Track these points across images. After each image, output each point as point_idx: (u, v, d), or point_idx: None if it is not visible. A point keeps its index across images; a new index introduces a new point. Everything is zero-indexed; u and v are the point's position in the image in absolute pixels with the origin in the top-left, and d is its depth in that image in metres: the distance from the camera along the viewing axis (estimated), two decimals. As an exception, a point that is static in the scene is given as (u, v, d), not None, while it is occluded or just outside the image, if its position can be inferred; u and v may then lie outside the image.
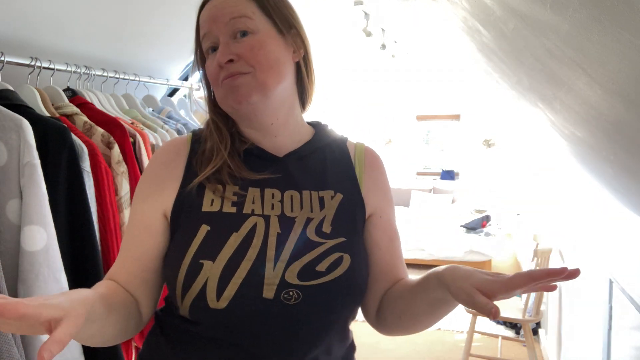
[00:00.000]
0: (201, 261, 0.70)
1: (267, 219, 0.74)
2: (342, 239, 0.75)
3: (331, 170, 0.83)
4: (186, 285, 0.70)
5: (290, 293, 0.69)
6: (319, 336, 0.74)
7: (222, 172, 0.77)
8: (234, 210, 0.74)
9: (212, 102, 0.83)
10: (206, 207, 0.75)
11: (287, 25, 0.79)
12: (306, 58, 0.83)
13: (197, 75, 2.64)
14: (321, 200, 0.78)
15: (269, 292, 0.69)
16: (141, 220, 0.78)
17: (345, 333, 0.82)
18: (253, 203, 0.76)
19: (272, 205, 0.76)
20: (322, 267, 0.71)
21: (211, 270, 0.69)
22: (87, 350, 1.18)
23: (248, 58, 0.73)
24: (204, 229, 0.72)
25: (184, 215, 0.75)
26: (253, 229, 0.73)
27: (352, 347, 0.84)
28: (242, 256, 0.70)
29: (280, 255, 0.71)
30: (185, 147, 0.82)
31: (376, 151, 0.91)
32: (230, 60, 0.73)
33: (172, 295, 0.74)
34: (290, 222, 0.75)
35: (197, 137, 0.84)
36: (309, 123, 0.89)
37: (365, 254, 0.81)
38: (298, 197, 0.78)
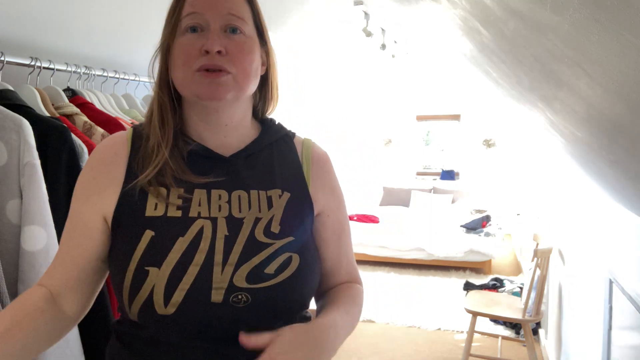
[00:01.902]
0: (147, 268, 0.69)
1: (214, 221, 0.73)
2: (291, 239, 0.75)
3: (279, 169, 0.82)
4: (133, 292, 0.69)
5: (239, 296, 0.69)
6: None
7: (166, 175, 0.74)
8: (179, 214, 0.73)
9: (166, 82, 0.78)
10: (150, 211, 0.73)
11: (264, 39, 0.81)
12: (270, 72, 0.85)
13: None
14: (269, 199, 0.78)
15: (217, 296, 0.68)
16: (79, 222, 0.76)
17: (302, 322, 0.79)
18: (199, 205, 0.74)
19: (219, 206, 0.74)
20: (270, 269, 0.71)
21: (157, 277, 0.68)
22: (87, 351, 1.18)
23: (235, 57, 0.74)
24: (148, 234, 0.71)
25: (126, 220, 0.73)
26: (200, 232, 0.71)
27: None
28: (189, 261, 0.69)
29: (229, 258, 0.70)
30: (125, 144, 0.79)
31: (322, 147, 0.92)
32: (219, 52, 0.72)
33: (119, 300, 0.73)
34: (238, 223, 0.74)
35: (137, 133, 0.80)
36: (260, 120, 0.89)
37: (316, 252, 0.81)
38: (246, 197, 0.76)
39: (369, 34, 3.19)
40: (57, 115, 1.36)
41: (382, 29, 3.69)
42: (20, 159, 1.08)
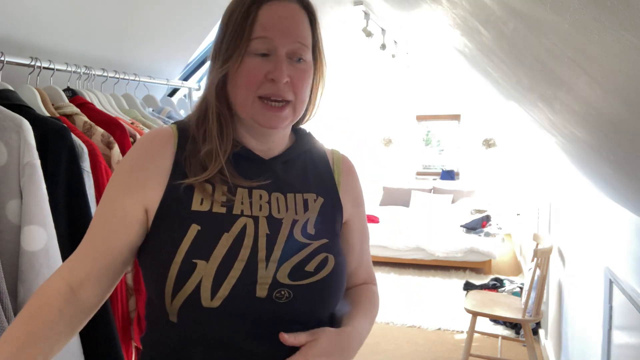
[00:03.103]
0: (194, 260, 0.70)
1: (256, 219, 0.76)
2: (325, 240, 0.79)
3: (312, 175, 0.86)
4: (178, 284, 0.70)
5: (282, 292, 0.72)
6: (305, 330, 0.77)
7: (214, 176, 0.77)
8: (223, 210, 0.75)
9: (223, 93, 0.78)
10: (196, 206, 0.75)
11: (318, 57, 0.84)
12: (314, 88, 0.86)
13: (196, 75, 2.64)
14: (305, 202, 0.81)
15: (262, 292, 0.71)
16: (118, 210, 0.75)
17: (330, 325, 0.84)
18: (242, 204, 0.76)
19: (260, 206, 0.77)
20: (310, 267, 0.75)
21: (205, 270, 0.70)
22: (87, 351, 1.18)
23: (296, 86, 0.76)
24: (195, 228, 0.72)
25: (171, 213, 0.74)
26: (243, 229, 0.74)
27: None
28: (235, 256, 0.72)
29: (271, 255, 0.74)
30: (172, 141, 0.79)
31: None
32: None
33: (157, 295, 0.73)
34: (277, 223, 0.77)
35: (183, 132, 0.80)
36: (293, 130, 0.90)
37: (344, 255, 0.84)
38: (283, 199, 0.80)
39: (369, 34, 3.19)
40: (57, 115, 1.36)
41: (382, 29, 3.69)
42: (20, 159, 1.08)
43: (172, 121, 1.89)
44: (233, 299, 0.70)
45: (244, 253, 0.72)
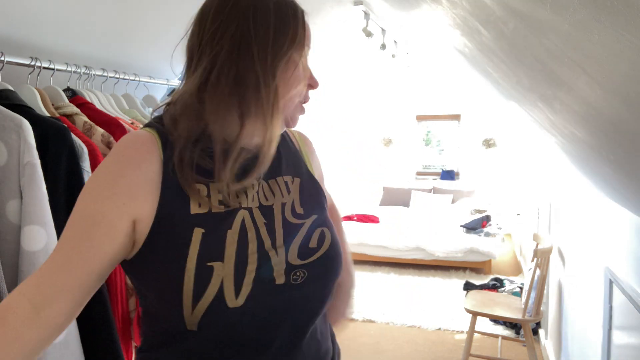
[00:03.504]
0: (209, 264, 0.69)
1: (250, 211, 0.76)
2: (315, 216, 0.83)
3: (285, 158, 0.87)
4: (199, 291, 0.68)
5: (298, 273, 0.75)
6: (323, 306, 0.80)
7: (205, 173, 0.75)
8: (222, 209, 0.74)
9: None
10: (194, 209, 0.72)
11: None
12: None
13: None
14: (286, 184, 0.84)
15: (280, 278, 0.73)
16: (102, 222, 0.68)
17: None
18: (237, 197, 0.76)
19: (253, 196, 0.78)
20: (313, 243, 0.79)
21: (224, 270, 0.69)
22: (87, 351, 1.18)
23: None
24: (199, 231, 0.70)
25: (171, 221, 0.70)
26: (243, 223, 0.74)
27: None
28: (246, 250, 0.72)
29: (276, 242, 0.75)
30: (156, 146, 0.73)
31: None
32: None
33: (170, 309, 0.70)
34: (269, 210, 0.78)
35: (163, 136, 0.74)
36: None
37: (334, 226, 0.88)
38: (267, 187, 0.81)
39: (369, 34, 3.19)
40: (57, 115, 1.36)
41: (382, 29, 3.69)
42: (20, 159, 1.08)
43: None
44: (257, 292, 0.70)
45: (252, 246, 0.73)
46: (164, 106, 0.80)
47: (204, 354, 0.72)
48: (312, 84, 0.81)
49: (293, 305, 0.75)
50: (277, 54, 0.73)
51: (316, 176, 0.91)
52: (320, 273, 0.78)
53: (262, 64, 0.72)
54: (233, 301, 0.69)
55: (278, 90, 0.74)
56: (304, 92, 0.80)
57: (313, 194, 0.87)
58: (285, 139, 0.90)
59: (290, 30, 0.74)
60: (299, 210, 0.81)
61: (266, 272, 0.72)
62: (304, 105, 0.82)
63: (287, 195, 0.82)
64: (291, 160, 0.88)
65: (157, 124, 0.76)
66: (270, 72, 0.72)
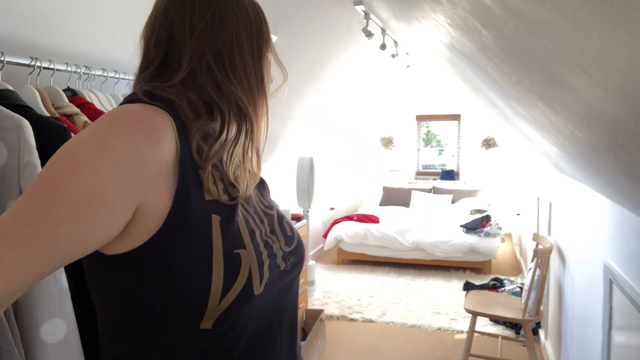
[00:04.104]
0: (235, 251, 0.66)
1: (240, 200, 0.77)
2: (276, 207, 0.87)
3: None
4: (229, 280, 0.64)
5: (290, 259, 0.77)
6: (299, 288, 0.84)
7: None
8: (226, 197, 0.70)
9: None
10: (208, 196, 0.67)
11: None
12: None
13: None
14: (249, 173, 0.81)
15: (282, 264, 0.75)
16: (101, 201, 0.57)
17: None
18: (232, 187, 0.73)
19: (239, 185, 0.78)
20: (289, 230, 0.82)
21: (250, 258, 0.68)
22: (87, 351, 1.18)
23: None
24: (216, 219, 0.66)
25: (189, 209, 0.64)
26: (240, 211, 0.73)
27: None
28: (255, 238, 0.72)
29: (267, 229, 0.77)
30: (171, 126, 0.65)
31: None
32: None
33: (186, 306, 0.63)
34: (249, 201, 0.79)
35: (177, 118, 0.67)
36: None
37: None
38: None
39: (369, 34, 3.19)
40: (57, 115, 1.36)
41: (382, 29, 3.69)
42: (20, 159, 1.08)
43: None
44: (273, 279, 0.72)
45: (258, 234, 0.73)
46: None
47: (221, 351, 0.67)
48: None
49: (290, 290, 0.78)
50: (260, 51, 0.76)
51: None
52: (300, 258, 0.81)
53: (252, 61, 0.74)
54: (258, 288, 0.68)
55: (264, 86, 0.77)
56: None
57: (261, 190, 0.88)
58: None
59: (264, 27, 0.77)
60: (265, 201, 0.84)
61: (275, 260, 0.74)
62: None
63: (252, 187, 0.80)
64: None
65: (165, 104, 0.68)
66: (259, 67, 0.75)
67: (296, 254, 0.80)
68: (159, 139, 0.62)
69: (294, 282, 0.80)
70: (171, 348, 0.66)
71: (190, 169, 0.66)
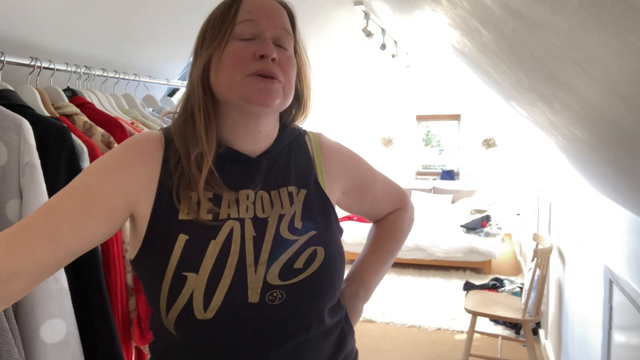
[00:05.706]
0: (184, 274, 0.69)
1: (242, 222, 0.74)
2: (313, 232, 0.77)
3: (294, 167, 0.84)
4: (171, 298, 0.69)
5: (275, 294, 0.71)
6: (304, 327, 0.75)
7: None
8: (210, 217, 0.72)
9: (208, 87, 0.76)
10: (182, 215, 0.72)
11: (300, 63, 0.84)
12: (301, 87, 0.86)
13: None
14: (290, 195, 0.80)
15: (254, 297, 0.70)
16: (101, 201, 0.69)
17: (334, 310, 0.83)
18: (229, 207, 0.74)
19: (247, 207, 0.76)
20: (299, 264, 0.73)
21: (196, 282, 0.68)
22: (87, 351, 1.18)
23: (284, 68, 0.75)
24: (182, 238, 0.70)
25: (161, 223, 0.72)
26: (230, 234, 0.72)
27: (344, 316, 0.88)
28: (224, 264, 0.70)
29: (259, 258, 0.72)
30: (161, 147, 0.76)
31: (325, 133, 0.94)
32: (272, 59, 0.73)
33: (154, 307, 0.73)
34: (263, 223, 0.75)
35: (169, 138, 0.77)
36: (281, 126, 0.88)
37: (340, 243, 0.83)
38: (268, 197, 0.78)
39: (369, 34, 3.19)
40: (57, 115, 1.36)
41: (382, 29, 3.69)
42: (20, 159, 1.08)
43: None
44: (226, 308, 0.69)
45: (232, 259, 0.70)
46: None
47: (182, 356, 0.74)
48: (262, 53, 0.72)
49: (266, 326, 0.71)
50: (206, 46, 0.77)
51: (333, 187, 0.87)
52: (302, 295, 0.73)
53: (196, 62, 0.78)
54: (201, 313, 0.68)
55: (210, 89, 0.77)
56: (247, 61, 0.73)
57: (317, 208, 0.81)
58: (300, 146, 0.87)
59: (221, 16, 0.76)
60: (298, 224, 0.77)
61: (239, 290, 0.69)
62: (269, 80, 0.73)
63: (289, 207, 0.78)
64: (301, 169, 0.84)
65: (168, 127, 0.80)
66: (200, 64, 0.76)
67: (292, 290, 0.72)
68: (148, 160, 0.74)
69: (287, 316, 0.73)
70: (167, 341, 0.76)
71: (168, 187, 0.73)
